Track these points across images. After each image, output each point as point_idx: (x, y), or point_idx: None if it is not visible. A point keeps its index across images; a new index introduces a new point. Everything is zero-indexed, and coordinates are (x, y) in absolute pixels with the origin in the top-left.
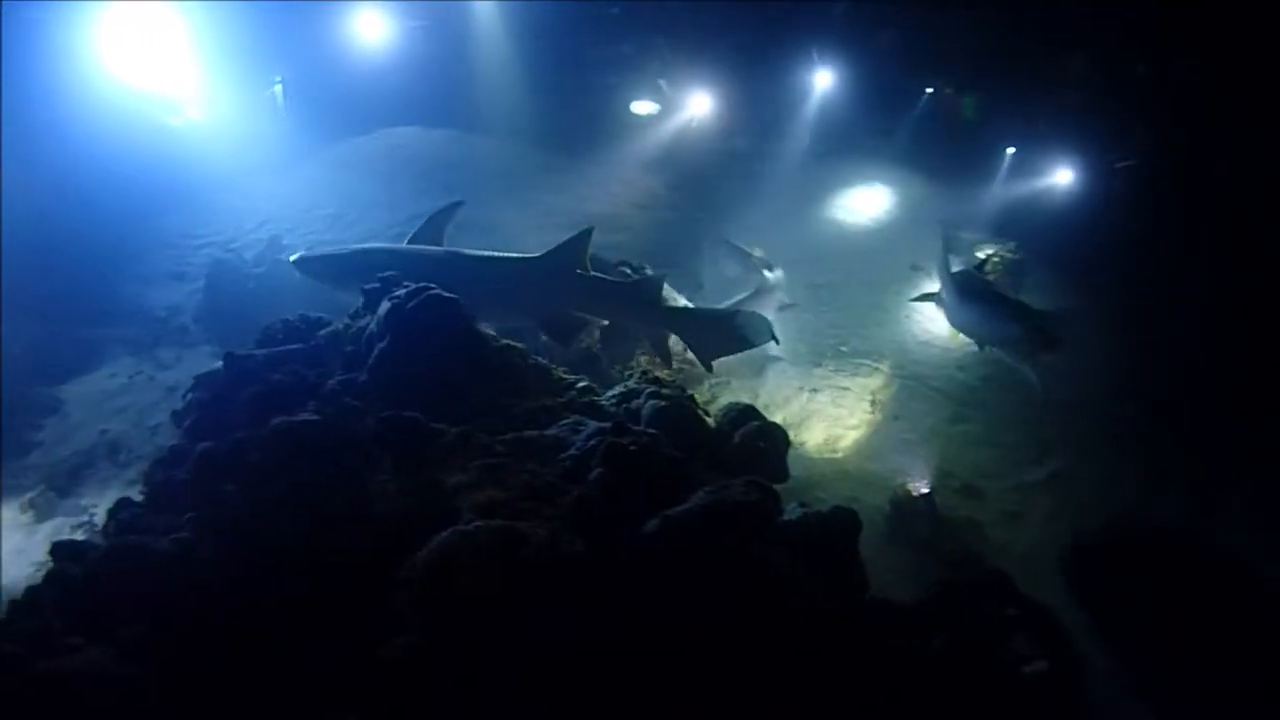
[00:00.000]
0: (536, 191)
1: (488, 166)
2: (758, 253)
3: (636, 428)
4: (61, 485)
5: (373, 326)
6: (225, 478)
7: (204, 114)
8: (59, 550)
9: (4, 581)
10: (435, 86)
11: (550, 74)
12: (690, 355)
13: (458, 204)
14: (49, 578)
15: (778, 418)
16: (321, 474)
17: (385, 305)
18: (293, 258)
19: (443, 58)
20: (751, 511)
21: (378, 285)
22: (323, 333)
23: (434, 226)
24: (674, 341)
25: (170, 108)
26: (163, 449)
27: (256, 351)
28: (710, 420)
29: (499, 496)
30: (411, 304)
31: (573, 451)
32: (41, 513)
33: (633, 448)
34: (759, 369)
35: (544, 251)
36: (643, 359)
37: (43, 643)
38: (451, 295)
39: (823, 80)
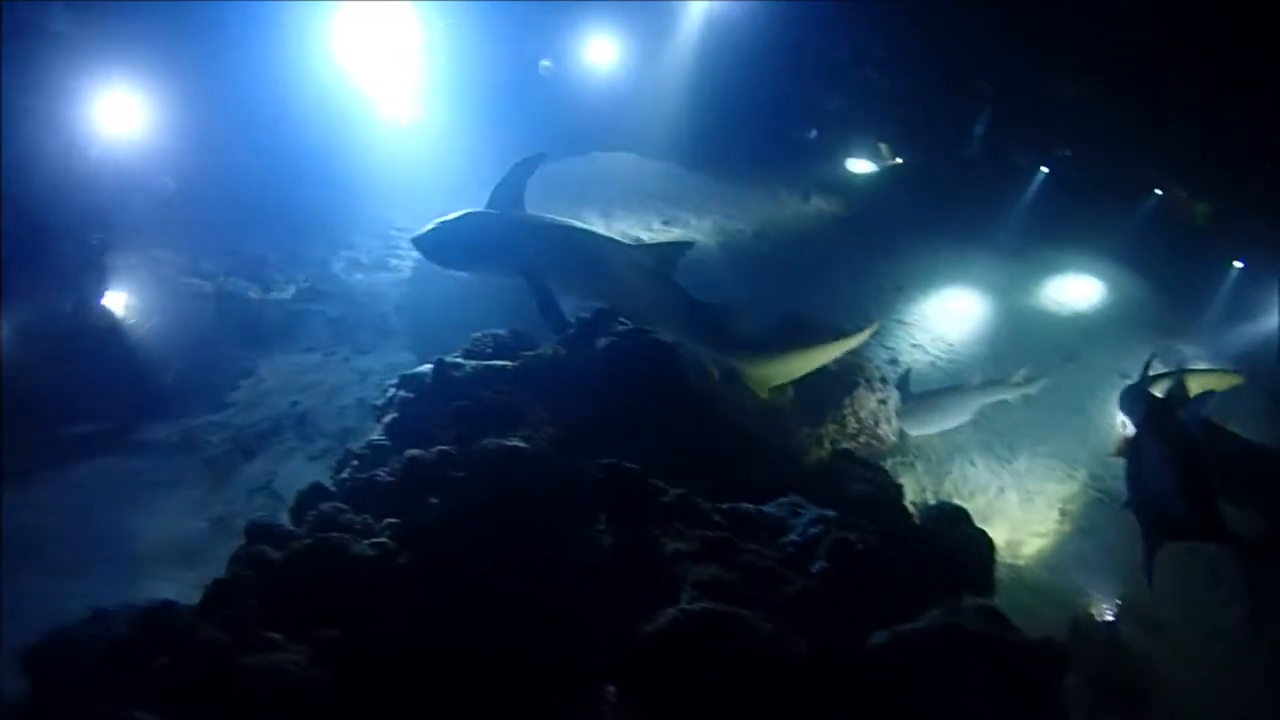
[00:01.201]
0: (742, 238)
1: (697, 205)
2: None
3: (860, 521)
4: (247, 447)
5: (585, 359)
6: (429, 489)
7: (429, 116)
8: (254, 531)
9: (179, 534)
10: (651, 119)
11: (769, 121)
12: (880, 430)
13: (540, 155)
14: (246, 559)
15: None
16: (527, 504)
17: (601, 341)
18: (414, 235)
19: (660, 92)
20: (985, 645)
21: (589, 316)
22: (530, 354)
23: (514, 181)
24: (866, 414)
25: (399, 106)
26: (347, 430)
27: (465, 362)
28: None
29: (723, 576)
30: (626, 344)
31: (794, 537)
32: (224, 471)
33: (860, 546)
34: (948, 453)
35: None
36: (831, 428)
37: (245, 634)
38: (667, 341)
39: (1045, 168)
